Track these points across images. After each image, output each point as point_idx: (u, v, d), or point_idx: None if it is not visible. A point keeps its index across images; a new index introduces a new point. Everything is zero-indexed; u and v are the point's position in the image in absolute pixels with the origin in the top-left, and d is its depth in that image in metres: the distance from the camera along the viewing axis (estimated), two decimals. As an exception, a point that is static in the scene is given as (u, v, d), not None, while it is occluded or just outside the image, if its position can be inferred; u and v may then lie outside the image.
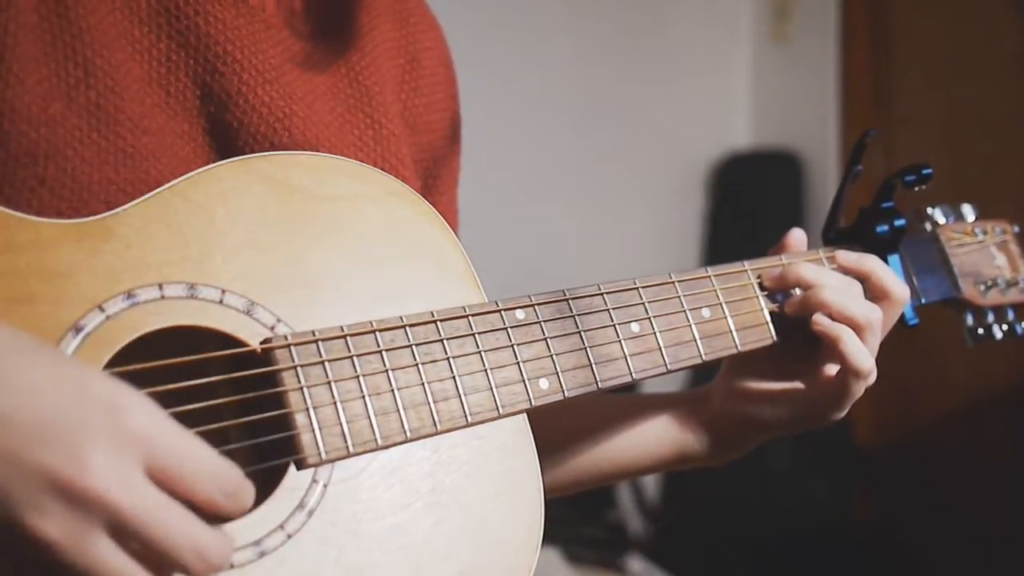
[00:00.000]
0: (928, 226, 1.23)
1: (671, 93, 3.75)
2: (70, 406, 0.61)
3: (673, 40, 3.75)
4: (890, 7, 3.47)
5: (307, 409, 0.78)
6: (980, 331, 1.23)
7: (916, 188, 1.11)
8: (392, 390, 0.82)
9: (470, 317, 0.88)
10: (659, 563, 3.14)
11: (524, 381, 0.88)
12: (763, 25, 3.85)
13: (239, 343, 0.78)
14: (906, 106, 3.43)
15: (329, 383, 0.79)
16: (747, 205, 3.66)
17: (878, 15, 3.49)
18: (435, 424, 0.83)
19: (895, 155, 3.32)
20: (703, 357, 1.00)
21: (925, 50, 3.39)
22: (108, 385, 0.63)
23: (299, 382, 0.78)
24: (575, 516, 3.08)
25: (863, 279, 1.08)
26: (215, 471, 0.65)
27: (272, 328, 0.80)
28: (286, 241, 0.83)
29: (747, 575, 3.24)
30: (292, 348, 0.79)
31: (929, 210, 1.24)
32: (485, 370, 0.87)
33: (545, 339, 0.91)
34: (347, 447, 0.79)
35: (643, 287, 0.98)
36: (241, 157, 0.84)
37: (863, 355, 1.01)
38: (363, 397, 0.80)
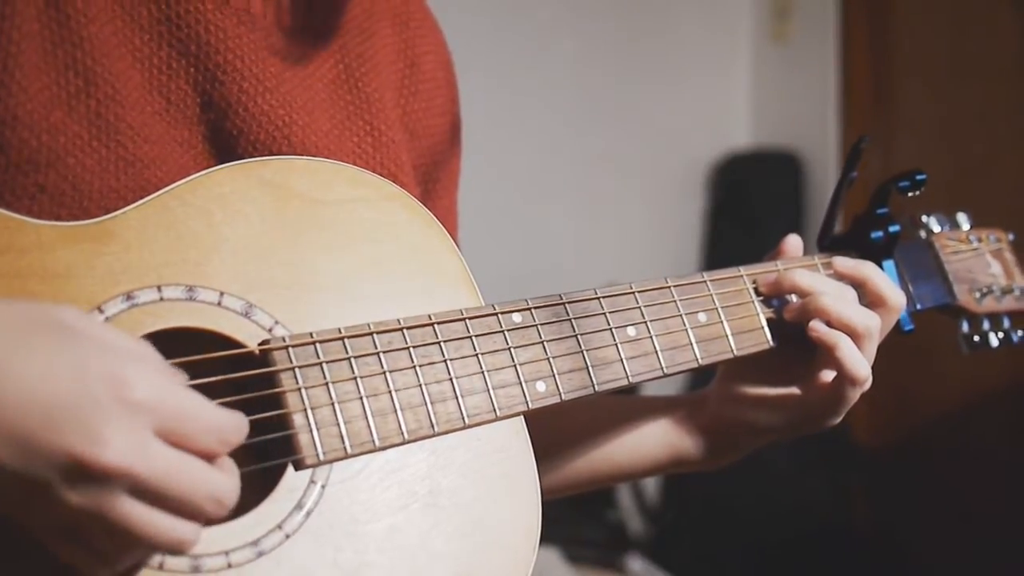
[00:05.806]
0: (923, 234, 1.23)
1: (671, 93, 3.75)
2: (78, 388, 0.64)
3: (673, 40, 3.75)
4: (890, 8, 3.47)
5: (305, 410, 0.78)
6: (976, 338, 1.22)
7: (910, 194, 1.11)
8: (390, 391, 0.82)
9: (467, 320, 0.88)
10: (659, 563, 3.14)
11: (521, 384, 0.89)
12: (763, 25, 3.85)
13: (237, 344, 0.79)
14: (906, 107, 3.43)
15: (327, 384, 0.80)
16: (747, 205, 3.66)
17: (878, 15, 3.49)
18: (433, 426, 0.83)
19: (894, 156, 3.32)
20: (699, 361, 1.00)
21: (925, 51, 3.38)
22: (106, 360, 0.66)
23: (297, 383, 0.79)
24: (575, 516, 3.08)
25: (859, 285, 1.08)
26: (212, 425, 0.69)
27: (270, 330, 0.80)
28: (284, 244, 0.83)
29: (747, 575, 3.24)
30: (290, 349, 0.79)
31: (924, 218, 1.23)
32: (482, 372, 0.87)
33: (542, 342, 0.91)
34: (345, 448, 0.79)
35: (639, 291, 0.98)
36: (239, 162, 0.85)
37: (859, 362, 1.01)
38: (361, 398, 0.81)
